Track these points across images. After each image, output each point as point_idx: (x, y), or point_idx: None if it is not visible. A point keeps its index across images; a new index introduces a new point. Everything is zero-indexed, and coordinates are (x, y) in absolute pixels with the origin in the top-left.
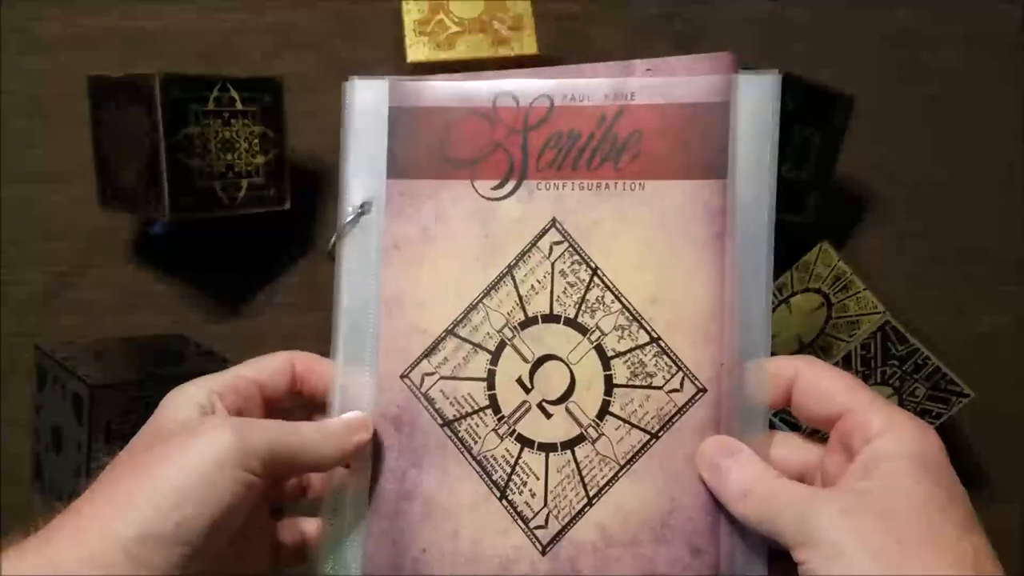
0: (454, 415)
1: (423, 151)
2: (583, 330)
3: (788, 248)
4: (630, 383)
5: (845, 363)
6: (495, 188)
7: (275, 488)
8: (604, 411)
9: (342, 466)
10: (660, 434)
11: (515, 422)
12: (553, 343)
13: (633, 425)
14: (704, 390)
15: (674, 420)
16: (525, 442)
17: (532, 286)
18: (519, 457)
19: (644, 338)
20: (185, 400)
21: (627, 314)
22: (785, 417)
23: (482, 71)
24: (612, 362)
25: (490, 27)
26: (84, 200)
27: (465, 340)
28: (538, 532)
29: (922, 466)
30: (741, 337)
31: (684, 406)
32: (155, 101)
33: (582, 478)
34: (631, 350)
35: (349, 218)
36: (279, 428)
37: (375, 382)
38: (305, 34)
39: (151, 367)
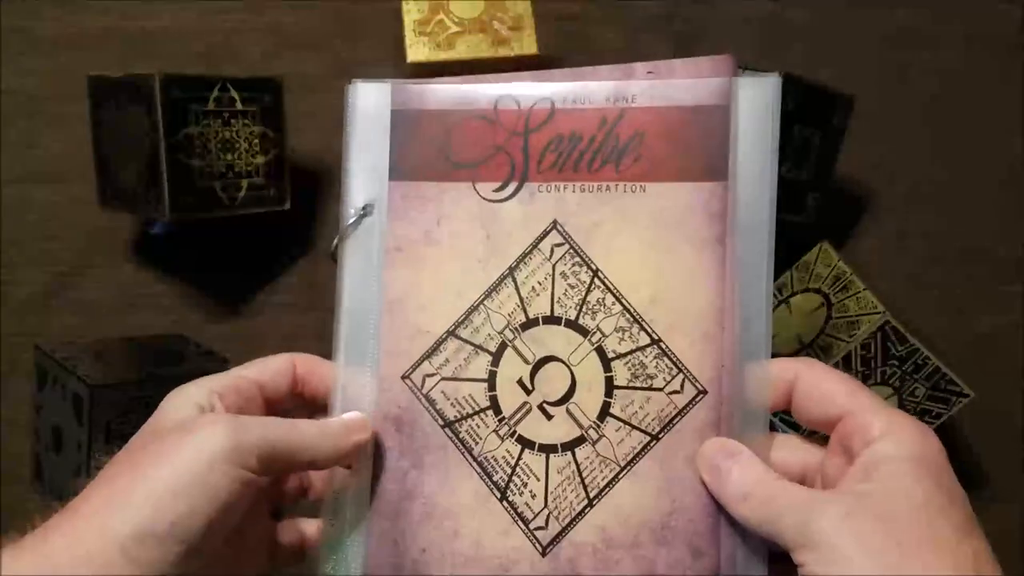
0: (455, 416)
1: (425, 153)
2: (584, 332)
3: (788, 248)
4: (631, 385)
5: (845, 363)
6: (497, 190)
7: (274, 488)
8: (605, 412)
9: (343, 466)
10: (660, 436)
11: (516, 423)
12: (554, 344)
13: (634, 427)
14: (704, 392)
15: (675, 422)
16: (526, 443)
17: (533, 288)
18: (519, 458)
19: (645, 340)
20: (185, 400)
21: (628, 316)
22: (785, 417)
23: (483, 73)
24: (613, 364)
25: (490, 27)
26: (84, 200)
27: (466, 341)
28: (538, 533)
29: (922, 469)
30: (742, 339)
31: (685, 408)
32: (155, 101)
33: (582, 479)
34: (632, 352)
35: (351, 220)
36: (276, 424)
37: (376, 383)
38: (305, 34)
39: (151, 367)
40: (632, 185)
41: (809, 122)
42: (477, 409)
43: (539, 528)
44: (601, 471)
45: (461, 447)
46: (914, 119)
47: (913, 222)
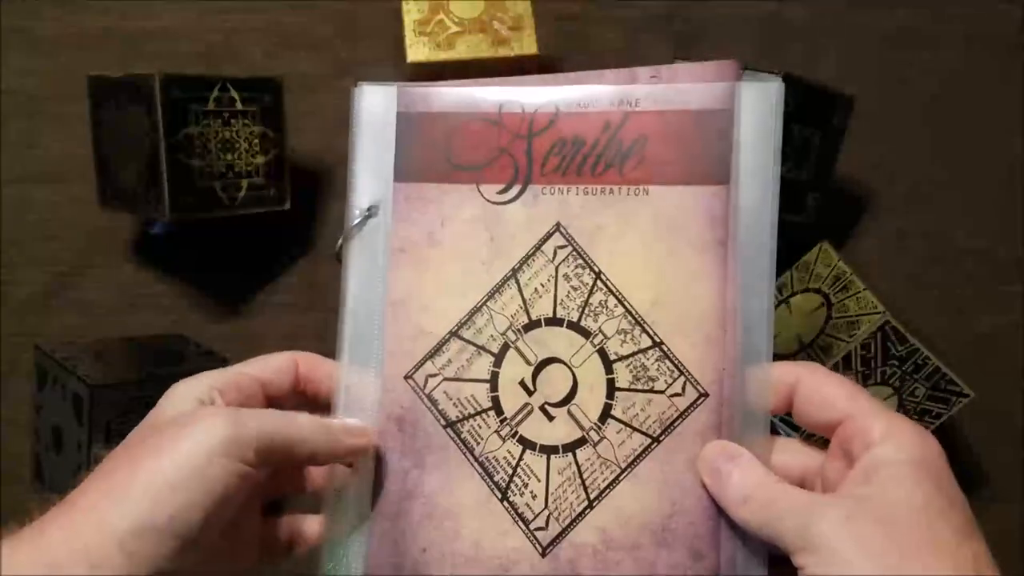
0: (457, 416)
1: (429, 155)
2: (586, 333)
3: (788, 248)
4: (632, 387)
5: (845, 363)
6: (500, 192)
7: (271, 482)
8: (606, 414)
9: (345, 465)
10: (661, 438)
11: (517, 424)
12: (556, 346)
13: (635, 429)
14: (706, 395)
15: (675, 424)
16: (527, 444)
17: (536, 289)
18: (520, 459)
19: (647, 342)
20: (184, 395)
21: (630, 318)
22: (786, 418)
23: (483, 72)
24: (614, 366)
25: (490, 27)
26: (84, 200)
27: (469, 342)
28: (538, 534)
29: (922, 472)
30: (743, 342)
31: (686, 410)
32: (155, 101)
33: (583, 481)
34: (633, 354)
35: (356, 221)
36: (274, 417)
37: (379, 383)
38: (305, 34)
39: (151, 367)
40: (635, 188)
41: (809, 122)
42: (479, 409)
43: (539, 529)
44: (602, 472)
45: (463, 447)
46: (914, 119)
47: (913, 222)
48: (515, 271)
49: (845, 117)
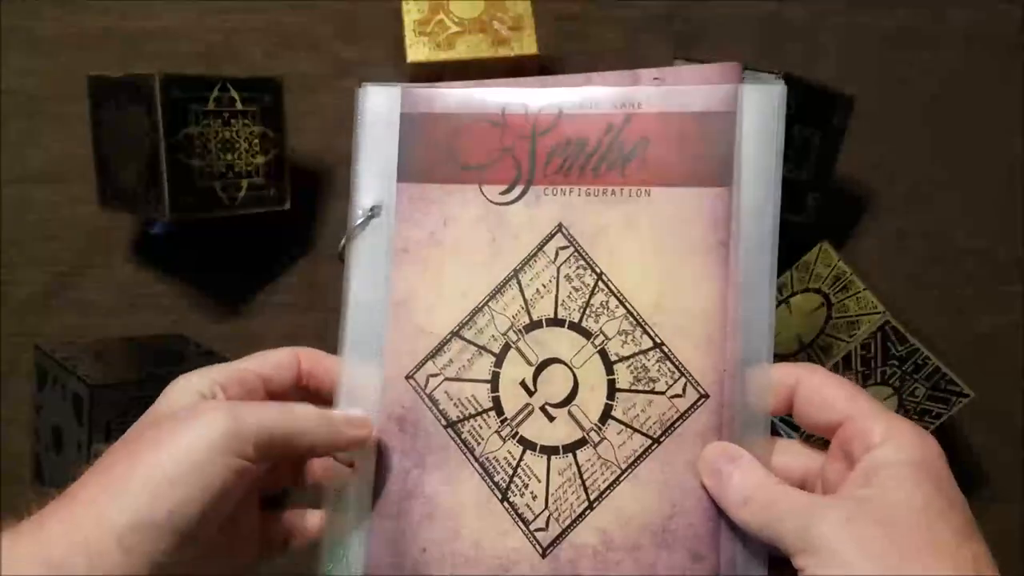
0: (458, 416)
1: (433, 156)
2: (587, 334)
3: (788, 248)
4: (633, 388)
5: (845, 363)
6: (503, 193)
7: (270, 476)
8: (606, 415)
9: (346, 464)
10: (662, 439)
11: (518, 424)
12: (557, 347)
13: (635, 430)
14: (706, 396)
15: (676, 425)
16: (527, 444)
17: (537, 290)
18: (521, 459)
19: (647, 343)
20: (186, 390)
21: (631, 319)
22: (787, 419)
23: (483, 72)
24: (615, 366)
25: (490, 27)
26: (84, 200)
27: (470, 342)
28: (538, 534)
29: (922, 473)
30: (744, 343)
31: (686, 411)
32: (155, 101)
33: (583, 481)
34: (634, 355)
35: (359, 221)
36: (273, 410)
37: (380, 382)
38: (305, 34)
39: (151, 367)
40: (637, 190)
41: (809, 122)
42: (480, 410)
43: (539, 529)
44: (602, 473)
45: (463, 447)
46: (914, 119)
47: (913, 222)
48: (517, 271)
49: (845, 117)
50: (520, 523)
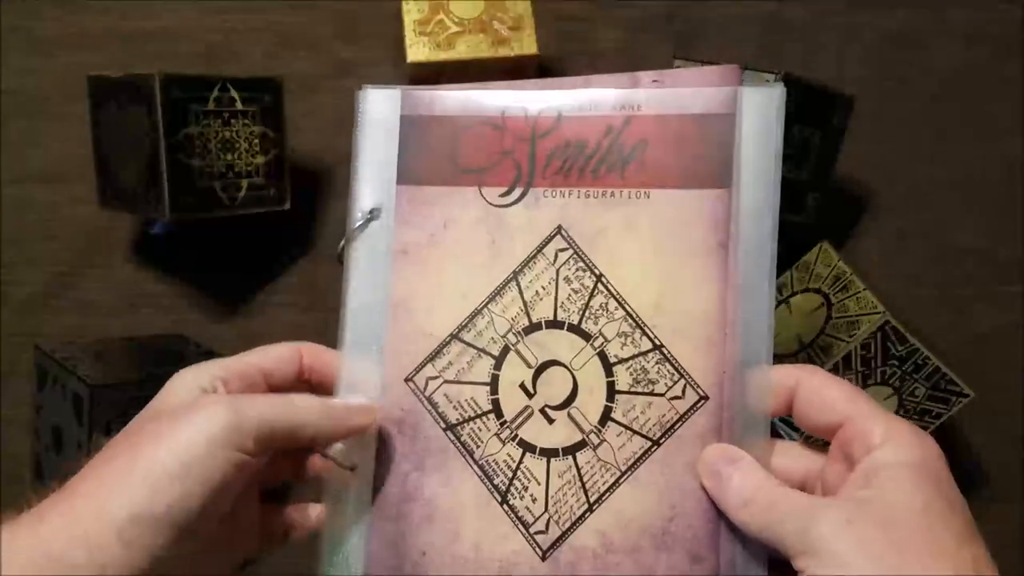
0: (457, 419)
1: (432, 158)
2: (586, 336)
3: (788, 248)
4: (632, 390)
5: (845, 363)
6: (502, 195)
7: (269, 469)
8: (606, 417)
9: (347, 469)
10: (661, 441)
11: (517, 427)
12: (556, 349)
13: (635, 432)
14: (706, 398)
15: (676, 427)
16: (527, 447)
17: (537, 292)
18: (520, 462)
19: (647, 345)
20: (188, 383)
21: (630, 321)
22: (788, 419)
23: (483, 72)
24: (615, 368)
25: (490, 27)
26: (84, 200)
27: (469, 345)
28: (538, 537)
29: (922, 475)
30: (743, 345)
31: (686, 413)
32: (155, 101)
33: (583, 484)
34: (634, 357)
35: (358, 223)
36: (274, 403)
37: (380, 380)
38: (305, 34)
39: (151, 367)
40: (637, 192)
41: (809, 122)
42: (479, 412)
43: (539, 532)
44: (602, 476)
45: (462, 450)
46: (914, 119)
47: (913, 222)
48: (516, 274)
49: (845, 117)
50: (520, 526)
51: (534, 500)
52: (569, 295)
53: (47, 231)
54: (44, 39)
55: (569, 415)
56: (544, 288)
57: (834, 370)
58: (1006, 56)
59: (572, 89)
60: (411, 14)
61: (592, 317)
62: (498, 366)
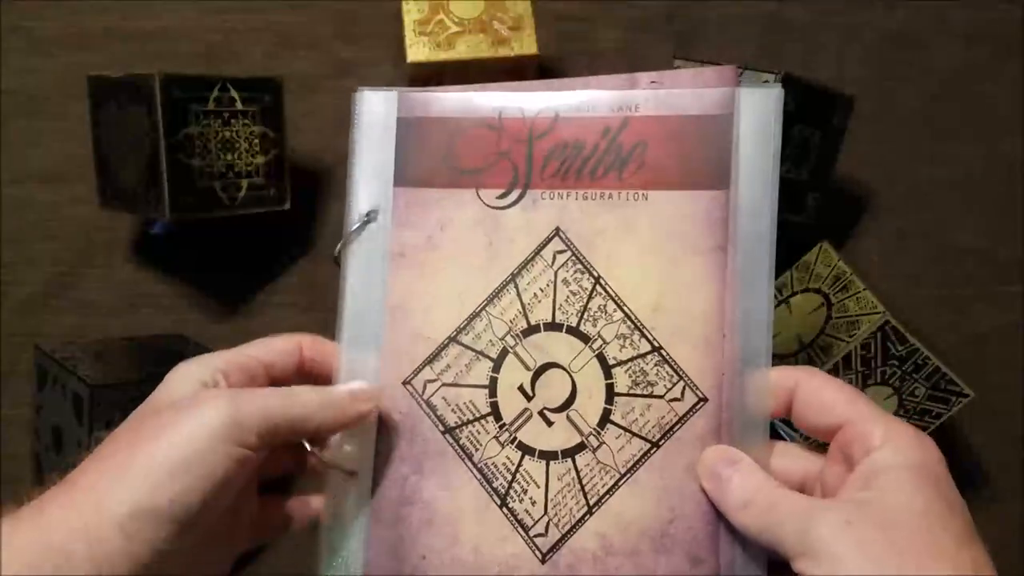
0: (455, 422)
1: (430, 160)
2: (585, 338)
3: (788, 248)
4: (631, 392)
5: (845, 363)
6: (500, 197)
7: (269, 461)
8: (605, 419)
9: (345, 473)
10: (661, 443)
11: (516, 430)
12: (555, 351)
13: (634, 434)
14: (705, 399)
15: (675, 429)
16: (526, 450)
17: (535, 294)
18: (520, 465)
19: (646, 347)
20: (187, 377)
21: (629, 323)
22: (789, 420)
23: (483, 72)
24: (614, 371)
25: (490, 27)
26: (84, 200)
27: (468, 347)
28: (538, 540)
29: (922, 477)
30: (742, 347)
31: (685, 415)
32: (155, 101)
33: (582, 486)
34: (633, 359)
35: (355, 226)
36: (276, 397)
37: (378, 388)
38: (305, 34)
39: (151, 367)
40: (635, 193)
41: (809, 122)
42: (478, 415)
43: (539, 535)
44: (601, 478)
45: (461, 453)
46: (914, 119)
47: (913, 222)
48: (514, 276)
49: (845, 117)
50: (519, 529)
51: (533, 503)
52: (567, 297)
53: (47, 231)
54: (44, 39)
55: (568, 417)
56: (542, 290)
57: (834, 370)
58: (1006, 56)
59: (569, 90)
60: (411, 14)
61: (591, 319)
62: (496, 369)
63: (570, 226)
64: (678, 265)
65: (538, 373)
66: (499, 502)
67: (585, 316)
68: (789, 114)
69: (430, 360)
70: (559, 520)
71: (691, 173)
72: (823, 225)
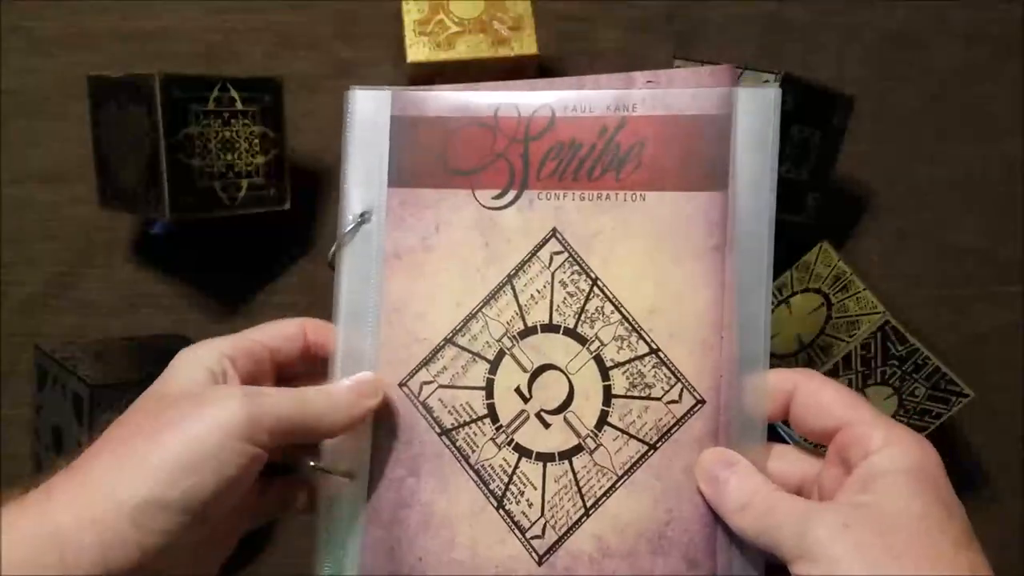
0: (452, 424)
1: (424, 160)
2: (582, 340)
3: (788, 248)
4: (629, 394)
5: (845, 363)
6: (496, 198)
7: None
8: (602, 421)
9: (344, 476)
10: (658, 445)
11: (513, 431)
12: (552, 353)
13: (631, 436)
14: (703, 401)
15: (672, 431)
16: (523, 452)
17: (532, 296)
18: (516, 467)
19: (643, 349)
20: (195, 363)
21: (626, 325)
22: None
23: (483, 72)
24: (611, 372)
25: (490, 27)
26: (84, 200)
27: (464, 349)
28: (535, 542)
29: (920, 481)
30: (740, 349)
31: (682, 417)
32: (155, 101)
33: (579, 488)
34: (630, 361)
35: (349, 227)
36: (289, 399)
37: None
38: (305, 34)
39: (151, 367)
40: (632, 194)
41: (809, 122)
42: (474, 417)
43: (536, 537)
44: (598, 480)
45: (458, 455)
46: (914, 119)
47: (913, 222)
48: (511, 277)
49: (845, 117)
50: (516, 531)
51: (530, 505)
52: (565, 299)
53: (47, 231)
54: (44, 39)
55: (565, 419)
56: (539, 292)
57: (834, 370)
58: (1006, 56)
59: (566, 89)
60: (411, 14)
61: (588, 321)
62: (493, 370)
63: (567, 227)
64: (676, 266)
65: (535, 375)
66: (496, 504)
67: (582, 318)
68: (789, 114)
69: (426, 362)
70: (556, 522)
71: (689, 174)
72: (823, 225)
